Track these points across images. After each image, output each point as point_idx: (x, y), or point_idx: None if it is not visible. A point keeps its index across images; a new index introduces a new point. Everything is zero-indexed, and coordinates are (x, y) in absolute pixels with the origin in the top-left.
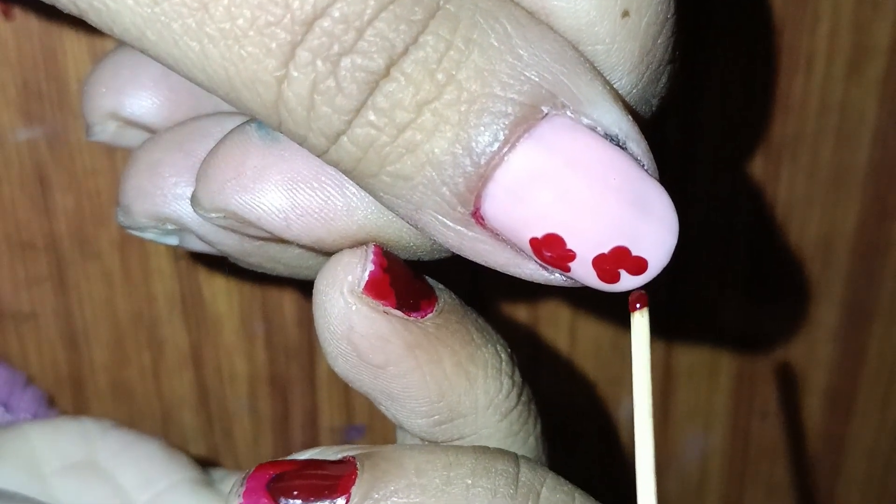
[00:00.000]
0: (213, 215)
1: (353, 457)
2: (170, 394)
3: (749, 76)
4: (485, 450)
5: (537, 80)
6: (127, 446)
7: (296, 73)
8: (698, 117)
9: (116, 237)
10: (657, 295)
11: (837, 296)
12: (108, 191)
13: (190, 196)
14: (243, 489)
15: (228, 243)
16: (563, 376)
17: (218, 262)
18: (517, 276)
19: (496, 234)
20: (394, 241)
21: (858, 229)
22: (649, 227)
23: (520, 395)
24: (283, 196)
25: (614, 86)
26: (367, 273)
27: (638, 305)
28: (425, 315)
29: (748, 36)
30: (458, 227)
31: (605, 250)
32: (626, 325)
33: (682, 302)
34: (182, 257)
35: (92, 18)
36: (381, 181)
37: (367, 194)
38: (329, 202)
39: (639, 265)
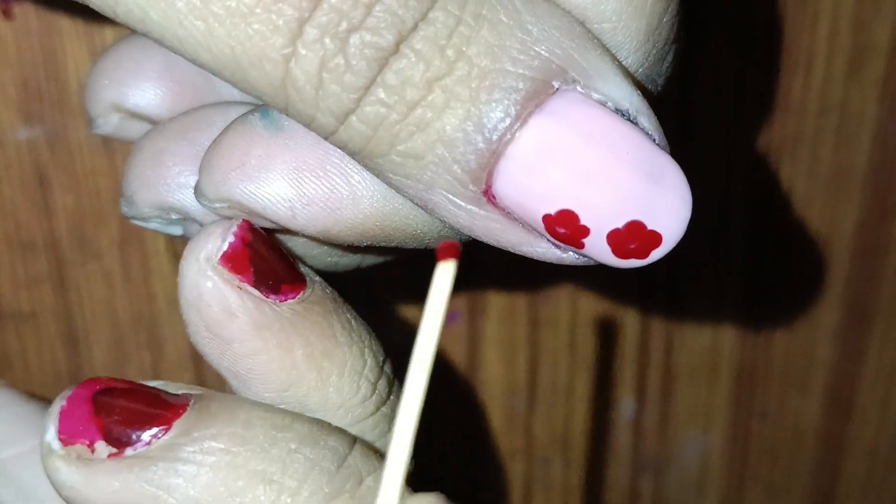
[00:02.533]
0: (218, 205)
1: (190, 395)
2: None
3: (748, 76)
4: (323, 423)
5: (547, 55)
6: (7, 404)
7: (304, 51)
8: (697, 117)
9: (116, 237)
10: (656, 296)
11: (837, 296)
12: (108, 190)
13: (194, 185)
14: (69, 394)
15: None
16: (563, 376)
17: None
18: (529, 255)
19: (508, 213)
20: (401, 229)
21: (858, 229)
22: (664, 200)
23: (379, 406)
24: (288, 185)
25: None
26: (226, 243)
27: (448, 256)
28: (284, 299)
29: (748, 35)
30: (470, 207)
31: (620, 224)
32: (624, 325)
33: (681, 302)
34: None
35: (95, 2)
36: (390, 161)
37: (373, 183)
38: (335, 191)
39: (654, 239)
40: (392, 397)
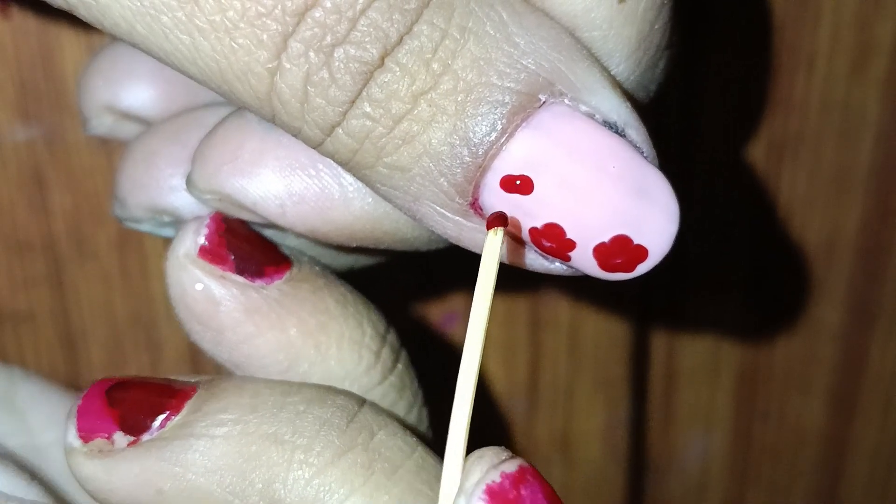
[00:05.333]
0: (208, 197)
1: (199, 380)
2: None
3: (750, 75)
4: (331, 387)
5: (534, 68)
6: (43, 392)
7: (288, 65)
8: (699, 116)
9: (114, 237)
10: (658, 295)
11: (840, 296)
12: (106, 191)
13: (187, 176)
14: (84, 393)
15: None
16: (563, 377)
17: None
18: (517, 265)
19: None
20: (391, 233)
21: (861, 229)
22: (650, 215)
23: (386, 375)
24: (279, 182)
25: (612, 72)
26: (202, 236)
27: (496, 224)
28: (271, 281)
29: (749, 34)
30: (457, 218)
31: (606, 239)
32: (625, 325)
33: (683, 302)
34: None
35: (82, 13)
36: (377, 172)
37: (364, 185)
38: (325, 191)
39: (640, 253)
40: (399, 366)
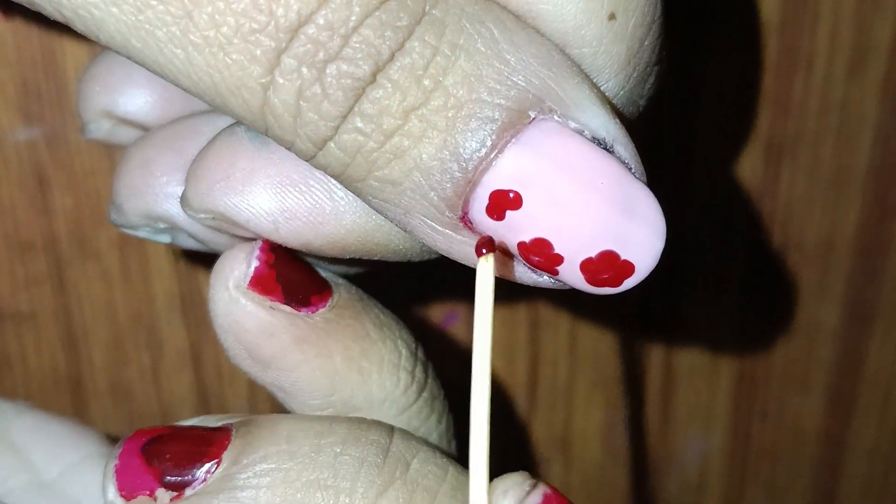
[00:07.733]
0: (203, 216)
1: (231, 424)
2: (169, 394)
3: (749, 76)
4: (360, 420)
5: (524, 84)
6: (39, 425)
7: (281, 80)
8: (697, 117)
9: (115, 237)
10: (657, 295)
11: (838, 296)
12: (107, 191)
13: (180, 195)
14: (119, 451)
15: (219, 242)
16: (563, 376)
17: (212, 259)
18: (506, 278)
19: None
20: (383, 244)
21: (859, 229)
22: (637, 231)
23: (420, 392)
24: (271, 199)
25: (601, 88)
26: (252, 268)
27: (484, 251)
28: (316, 310)
29: (748, 35)
30: (447, 231)
31: (593, 254)
32: (624, 325)
33: (681, 302)
34: (181, 257)
35: (77, 26)
36: (369, 186)
37: (355, 200)
38: (317, 206)
39: (626, 268)
40: (429, 380)
